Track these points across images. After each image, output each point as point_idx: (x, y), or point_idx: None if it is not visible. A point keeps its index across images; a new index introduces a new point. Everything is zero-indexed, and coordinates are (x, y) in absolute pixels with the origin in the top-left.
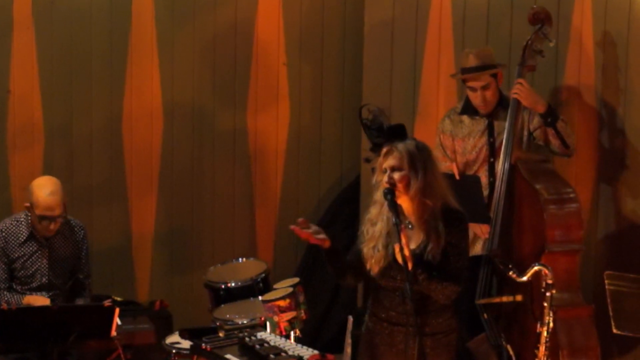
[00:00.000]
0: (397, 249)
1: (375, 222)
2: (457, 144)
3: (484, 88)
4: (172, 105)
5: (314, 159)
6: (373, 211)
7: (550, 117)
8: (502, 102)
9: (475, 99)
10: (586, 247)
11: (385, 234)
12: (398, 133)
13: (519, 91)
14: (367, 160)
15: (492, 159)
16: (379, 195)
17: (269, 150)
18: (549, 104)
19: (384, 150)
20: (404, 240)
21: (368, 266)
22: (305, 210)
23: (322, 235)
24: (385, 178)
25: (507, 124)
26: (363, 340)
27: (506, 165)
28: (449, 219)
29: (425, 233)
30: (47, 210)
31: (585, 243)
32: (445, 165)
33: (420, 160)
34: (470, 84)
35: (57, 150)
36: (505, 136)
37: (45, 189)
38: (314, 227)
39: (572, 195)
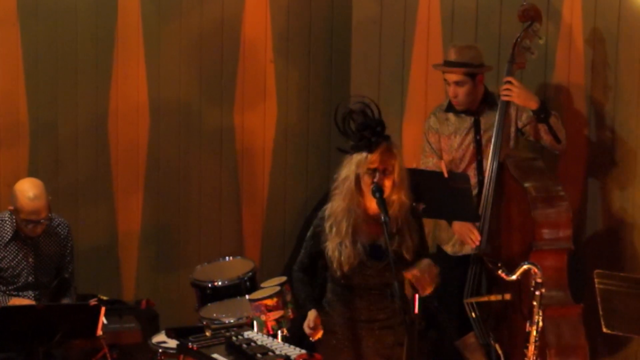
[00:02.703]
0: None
1: (340, 218)
2: (443, 142)
3: (457, 84)
4: (158, 103)
5: (301, 157)
6: (336, 205)
7: (543, 113)
8: (487, 99)
9: (449, 92)
10: (575, 245)
11: (352, 231)
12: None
13: (510, 91)
14: (344, 151)
15: (479, 157)
16: (346, 189)
17: (256, 148)
18: (541, 99)
19: (381, 149)
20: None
21: (336, 265)
22: (292, 209)
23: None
24: (377, 177)
25: (496, 122)
26: (338, 347)
27: (495, 164)
28: (414, 213)
29: (397, 228)
30: (32, 214)
31: (574, 241)
32: (433, 162)
33: (402, 160)
34: (445, 76)
35: (43, 147)
36: (494, 134)
37: (28, 194)
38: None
39: (561, 194)
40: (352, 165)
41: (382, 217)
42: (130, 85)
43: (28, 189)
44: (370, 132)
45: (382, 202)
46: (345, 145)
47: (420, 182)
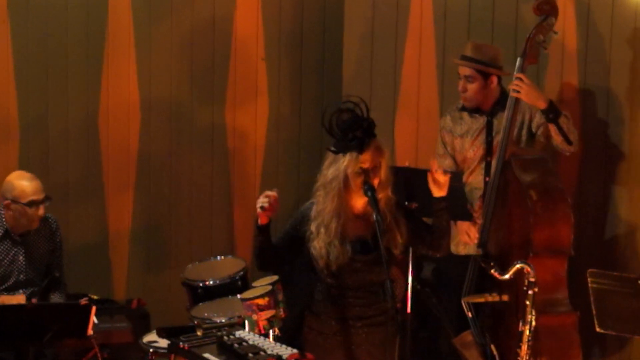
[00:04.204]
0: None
1: (329, 220)
2: (455, 141)
3: (467, 79)
4: (149, 101)
5: (292, 155)
6: (324, 207)
7: (552, 113)
8: (502, 101)
9: (458, 85)
10: (590, 249)
11: (341, 230)
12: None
13: (519, 87)
14: (336, 151)
15: (488, 158)
16: (335, 189)
17: (247, 146)
18: (550, 99)
19: (371, 148)
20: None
21: (322, 264)
22: (284, 207)
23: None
24: (368, 176)
25: (504, 118)
26: (327, 347)
27: (500, 161)
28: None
29: (386, 225)
30: (34, 194)
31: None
32: (447, 164)
33: (387, 157)
34: (459, 69)
35: (33, 146)
36: (502, 130)
37: (23, 178)
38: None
39: (563, 198)
40: (341, 165)
41: (375, 216)
42: (121, 83)
43: (21, 175)
44: (362, 131)
45: (375, 201)
46: (334, 145)
47: (413, 181)
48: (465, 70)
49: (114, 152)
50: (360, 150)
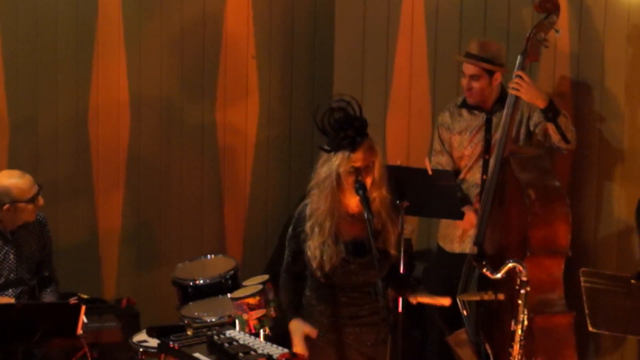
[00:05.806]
0: None
1: (323, 219)
2: (453, 138)
3: (473, 77)
4: (139, 99)
5: (283, 154)
6: (317, 206)
7: (551, 112)
8: (502, 99)
9: (463, 83)
10: (587, 248)
11: (335, 230)
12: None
13: (518, 85)
14: (327, 150)
15: (486, 156)
16: (327, 188)
17: (238, 144)
18: (550, 98)
19: (364, 147)
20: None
21: (316, 265)
22: (274, 206)
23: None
24: (360, 175)
25: (503, 116)
26: (318, 345)
27: (498, 159)
28: (395, 208)
29: (381, 225)
30: (32, 189)
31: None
32: (444, 161)
33: (381, 156)
34: (463, 67)
35: (22, 144)
36: (500, 127)
37: (14, 177)
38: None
39: (562, 197)
40: (333, 164)
41: (366, 215)
42: (110, 82)
43: (10, 175)
44: (354, 130)
45: (366, 200)
46: (327, 144)
47: (404, 179)
48: (470, 69)
49: (104, 150)
50: (353, 149)
